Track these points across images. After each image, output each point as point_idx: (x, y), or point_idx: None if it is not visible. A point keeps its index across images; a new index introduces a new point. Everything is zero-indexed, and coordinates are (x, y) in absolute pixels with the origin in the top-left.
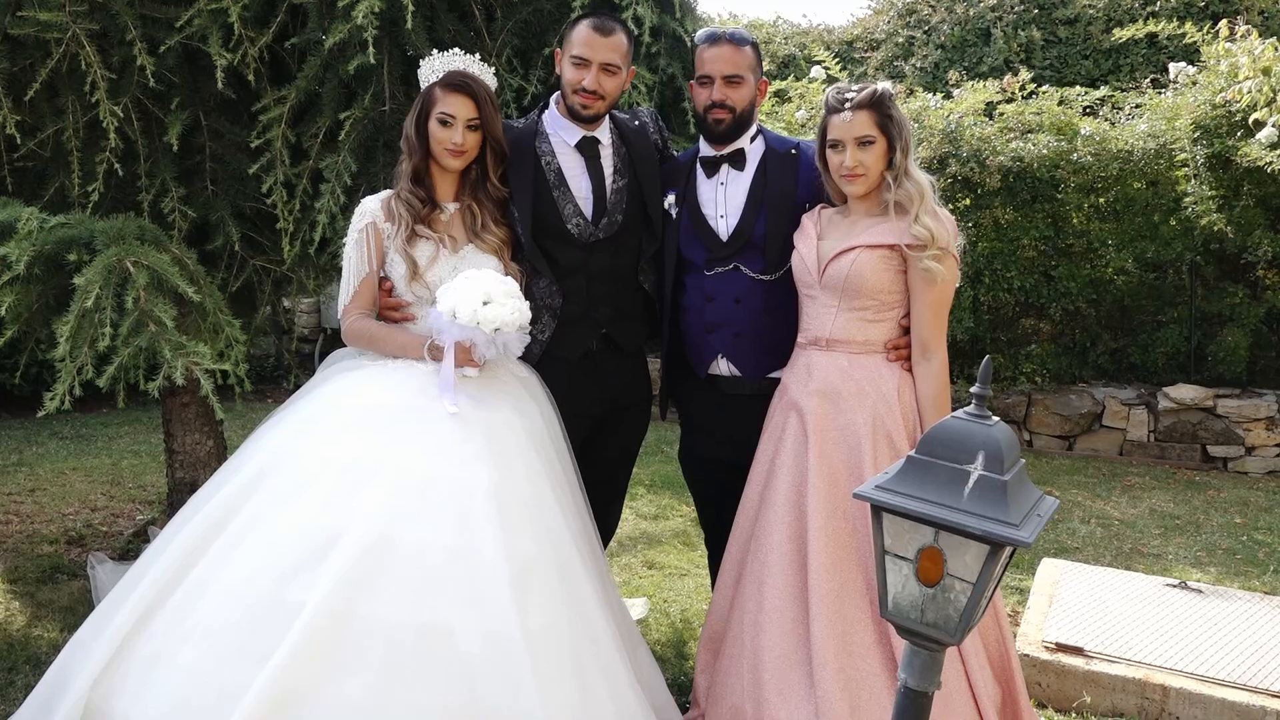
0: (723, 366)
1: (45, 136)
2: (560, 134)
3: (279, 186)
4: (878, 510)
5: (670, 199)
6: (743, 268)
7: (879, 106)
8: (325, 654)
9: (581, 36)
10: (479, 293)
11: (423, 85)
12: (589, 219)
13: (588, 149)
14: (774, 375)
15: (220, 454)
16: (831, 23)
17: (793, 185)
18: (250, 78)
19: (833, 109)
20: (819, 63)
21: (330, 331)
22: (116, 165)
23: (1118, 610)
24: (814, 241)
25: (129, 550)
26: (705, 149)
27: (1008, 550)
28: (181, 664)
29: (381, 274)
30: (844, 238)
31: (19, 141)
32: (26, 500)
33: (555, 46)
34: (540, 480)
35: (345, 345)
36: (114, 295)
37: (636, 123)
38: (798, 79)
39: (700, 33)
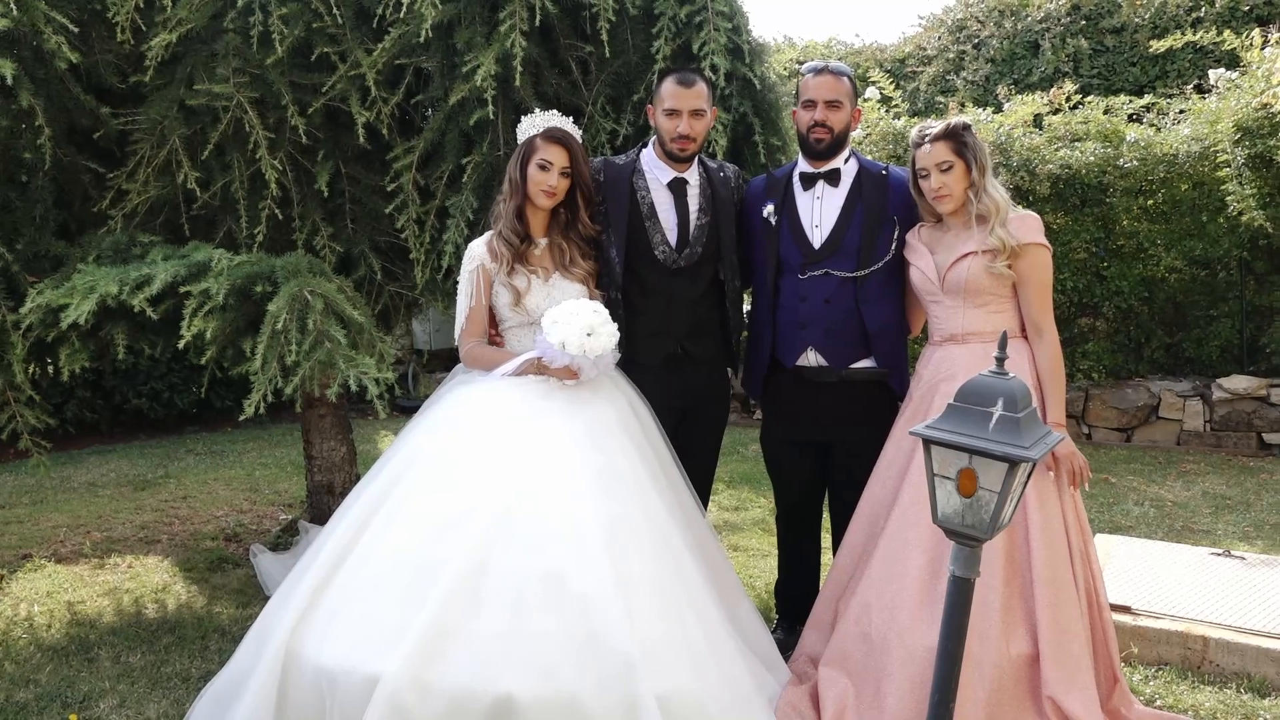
0: (811, 358)
1: (216, 189)
2: (655, 173)
3: (410, 223)
4: (927, 443)
5: (770, 208)
6: (832, 271)
7: (954, 136)
8: (467, 598)
9: (670, 91)
10: (583, 326)
11: (521, 138)
12: (674, 247)
13: (677, 188)
14: (857, 365)
15: (352, 458)
16: (884, 41)
17: (884, 200)
18: (384, 131)
19: (916, 144)
20: (874, 83)
21: (440, 350)
22: (276, 210)
23: (1164, 575)
24: (929, 256)
25: (279, 543)
26: (804, 165)
27: (1023, 466)
28: (356, 613)
29: (488, 302)
30: (952, 249)
31: (197, 194)
32: (181, 506)
33: (647, 101)
34: (631, 457)
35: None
36: (297, 319)
37: (722, 174)
38: None
39: (806, 65)
